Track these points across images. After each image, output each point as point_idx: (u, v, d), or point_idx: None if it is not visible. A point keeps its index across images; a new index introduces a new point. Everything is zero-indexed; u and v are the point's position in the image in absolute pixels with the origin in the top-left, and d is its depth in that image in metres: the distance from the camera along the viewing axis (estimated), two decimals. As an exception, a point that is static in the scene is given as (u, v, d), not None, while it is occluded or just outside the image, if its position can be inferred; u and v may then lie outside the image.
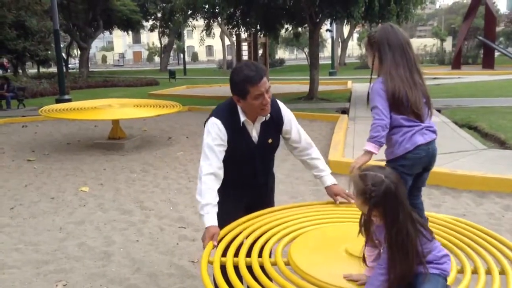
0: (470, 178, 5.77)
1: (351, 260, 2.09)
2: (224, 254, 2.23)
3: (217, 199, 2.50)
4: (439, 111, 11.81)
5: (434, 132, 2.45)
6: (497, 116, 10.39)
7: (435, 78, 23.48)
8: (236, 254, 2.23)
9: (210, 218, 2.45)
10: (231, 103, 2.64)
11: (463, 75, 24.54)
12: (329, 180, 2.83)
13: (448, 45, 51.72)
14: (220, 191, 2.58)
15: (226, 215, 2.62)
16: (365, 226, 1.94)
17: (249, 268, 2.13)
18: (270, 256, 2.23)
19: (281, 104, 2.78)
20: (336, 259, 2.12)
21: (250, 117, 2.62)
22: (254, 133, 2.67)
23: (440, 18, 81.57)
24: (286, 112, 2.78)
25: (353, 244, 2.17)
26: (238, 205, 2.80)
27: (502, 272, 2.05)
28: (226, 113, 2.64)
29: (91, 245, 4.38)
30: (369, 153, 2.22)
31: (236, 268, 2.12)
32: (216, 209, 2.48)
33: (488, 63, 28.30)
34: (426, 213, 2.71)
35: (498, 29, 38.67)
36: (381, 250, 1.89)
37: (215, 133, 2.58)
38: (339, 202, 2.75)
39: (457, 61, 29.56)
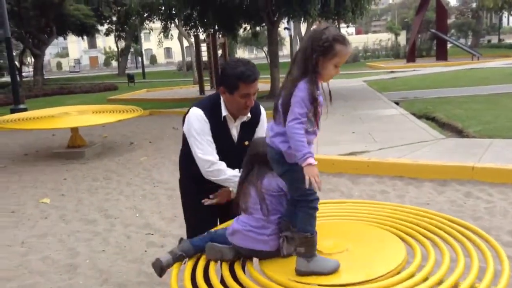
0: (431, 167, 5.93)
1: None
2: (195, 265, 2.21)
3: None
4: (397, 103, 12.10)
5: (272, 135, 2.08)
6: (453, 105, 10.72)
7: (391, 72, 24.04)
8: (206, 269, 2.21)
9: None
10: (215, 97, 2.63)
11: (418, 68, 25.18)
12: None
13: (402, 39, 52.94)
14: (196, 190, 2.62)
15: (200, 219, 2.59)
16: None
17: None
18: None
19: (263, 110, 2.78)
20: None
21: (232, 114, 2.61)
22: (234, 132, 2.66)
23: (394, 13, 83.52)
24: (264, 118, 2.78)
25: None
26: (213, 208, 2.71)
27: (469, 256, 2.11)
28: (208, 105, 2.61)
29: (55, 258, 4.25)
30: None
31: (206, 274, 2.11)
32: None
33: (442, 55, 29.16)
34: (390, 203, 2.78)
35: (449, 21, 39.92)
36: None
37: (198, 122, 2.56)
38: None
39: (411, 54, 30.31)
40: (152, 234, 4.67)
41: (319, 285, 1.91)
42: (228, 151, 2.64)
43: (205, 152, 2.54)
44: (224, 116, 2.59)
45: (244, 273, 2.18)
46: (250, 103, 2.53)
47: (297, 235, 2.03)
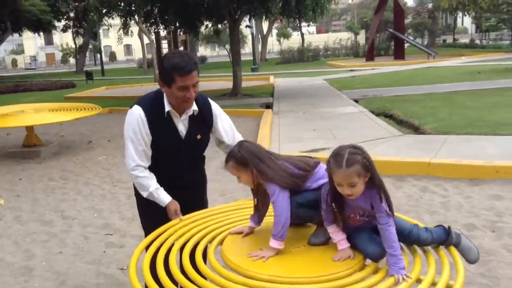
0: (389, 163, 6.06)
1: (283, 250, 2.14)
2: (153, 260, 2.16)
3: (156, 183, 2.55)
4: (356, 101, 12.32)
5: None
6: (410, 103, 11.02)
7: (351, 70, 24.45)
8: (166, 259, 2.16)
9: (164, 197, 2.53)
10: (158, 92, 2.55)
11: (377, 66, 25.74)
12: None
13: (361, 38, 53.93)
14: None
15: (153, 217, 2.54)
16: (338, 204, 2.09)
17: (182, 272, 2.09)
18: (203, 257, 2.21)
19: (212, 102, 2.71)
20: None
21: (176, 109, 2.52)
22: (181, 127, 2.56)
23: (353, 13, 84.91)
24: (217, 110, 2.71)
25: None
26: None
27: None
28: (151, 101, 2.53)
29: (10, 260, 4.11)
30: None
31: (169, 273, 2.07)
32: (162, 189, 2.55)
33: (399, 54, 29.93)
34: None
35: (406, 21, 40.93)
36: (369, 214, 2.07)
37: (135, 122, 2.48)
38: None
39: (370, 53, 30.97)
40: (111, 235, 4.58)
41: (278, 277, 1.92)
42: (176, 147, 2.58)
43: (134, 157, 2.52)
44: (168, 112, 2.50)
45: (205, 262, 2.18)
46: (190, 95, 2.43)
47: None
